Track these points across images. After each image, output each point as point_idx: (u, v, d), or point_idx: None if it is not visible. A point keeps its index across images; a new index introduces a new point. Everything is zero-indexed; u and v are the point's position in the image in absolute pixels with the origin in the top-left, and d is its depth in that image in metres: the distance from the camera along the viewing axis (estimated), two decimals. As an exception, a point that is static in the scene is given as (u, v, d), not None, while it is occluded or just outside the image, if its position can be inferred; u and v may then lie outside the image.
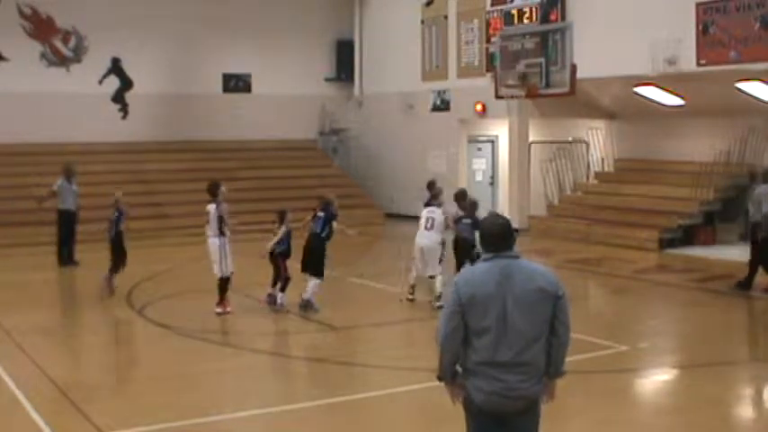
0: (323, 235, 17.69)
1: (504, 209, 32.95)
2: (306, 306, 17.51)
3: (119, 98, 35.11)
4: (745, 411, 12.68)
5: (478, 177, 34.92)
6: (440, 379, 7.34)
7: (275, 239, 17.87)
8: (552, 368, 7.24)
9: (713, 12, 25.19)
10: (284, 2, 37.14)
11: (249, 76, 37.29)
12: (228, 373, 13.94)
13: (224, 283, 17.53)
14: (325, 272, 17.61)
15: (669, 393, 13.66)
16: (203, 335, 16.09)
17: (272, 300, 18.00)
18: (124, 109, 35.19)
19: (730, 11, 24.80)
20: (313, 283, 17.56)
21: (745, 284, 19.56)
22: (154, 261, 23.96)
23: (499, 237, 7.17)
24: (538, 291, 7.06)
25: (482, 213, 15.47)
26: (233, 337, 16.53)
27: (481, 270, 7.17)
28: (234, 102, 36.73)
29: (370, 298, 20.00)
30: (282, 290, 17.85)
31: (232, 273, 17.54)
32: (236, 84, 37.14)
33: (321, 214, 17.86)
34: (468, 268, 7.51)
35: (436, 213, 18.42)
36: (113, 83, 35.12)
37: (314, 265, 17.56)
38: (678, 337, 15.96)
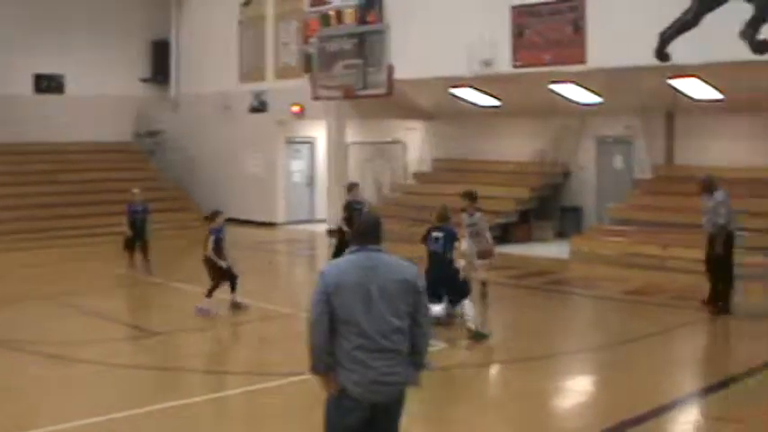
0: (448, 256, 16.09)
1: (322, 210, 33.09)
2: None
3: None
4: (561, 403, 12.95)
5: (296, 179, 35.01)
6: (313, 371, 7.38)
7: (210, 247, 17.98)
8: (417, 358, 7.47)
9: (528, 15, 25.69)
10: (98, 1, 36.38)
11: (62, 76, 36.29)
12: (48, 383, 13.51)
13: None
14: (150, 278, 17.28)
15: (490, 387, 13.89)
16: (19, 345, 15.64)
17: (236, 305, 18.12)
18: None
19: (544, 14, 25.34)
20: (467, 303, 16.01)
21: (722, 305, 18.24)
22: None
23: (369, 231, 7.47)
24: (401, 282, 7.32)
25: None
26: (54, 347, 16.04)
27: (347, 261, 7.44)
28: (46, 103, 35.65)
29: (190, 302, 19.74)
30: (209, 295, 17.89)
31: None
32: (49, 85, 36.11)
33: (440, 235, 16.11)
34: (335, 260, 7.63)
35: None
36: None
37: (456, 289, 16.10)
38: (496, 334, 16.19)
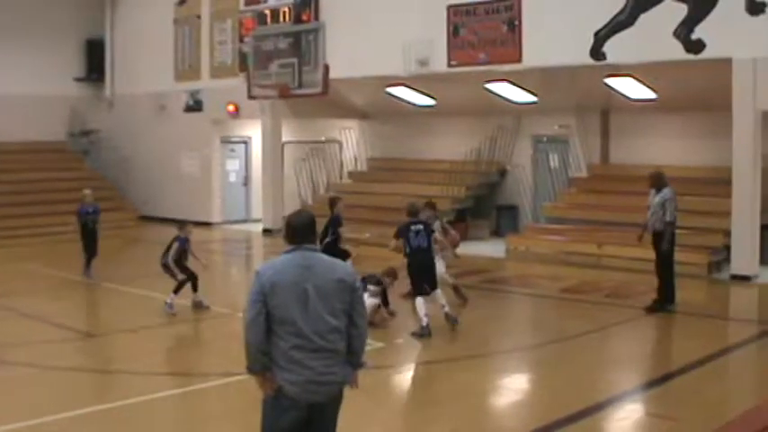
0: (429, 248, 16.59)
1: (258, 209, 32.98)
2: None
3: None
4: (497, 401, 12.97)
5: (232, 178, 34.88)
6: (249, 371, 7.34)
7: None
8: (354, 358, 7.49)
9: (463, 14, 25.77)
10: (32, 0, 35.91)
11: (-7, 76, 35.74)
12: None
13: None
14: (80, 278, 17.11)
15: (426, 386, 13.87)
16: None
17: (198, 304, 18.16)
18: None
19: (480, 13, 25.42)
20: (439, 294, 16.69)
21: (666, 300, 18.40)
22: None
23: (303, 230, 7.46)
24: (338, 281, 7.32)
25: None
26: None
27: (283, 260, 7.39)
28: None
29: (126, 303, 19.59)
30: (176, 292, 17.89)
31: None
32: (-21, 84, 35.57)
33: (420, 227, 16.53)
34: (271, 260, 7.58)
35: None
36: None
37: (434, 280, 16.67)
38: (433, 332, 16.18)
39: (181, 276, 18.00)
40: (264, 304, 7.15)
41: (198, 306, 18.24)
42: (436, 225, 18.16)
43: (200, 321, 17.81)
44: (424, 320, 15.87)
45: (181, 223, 18.71)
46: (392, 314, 17.33)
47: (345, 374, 7.39)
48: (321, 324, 7.18)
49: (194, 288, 18.22)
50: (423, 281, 16.28)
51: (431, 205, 18.77)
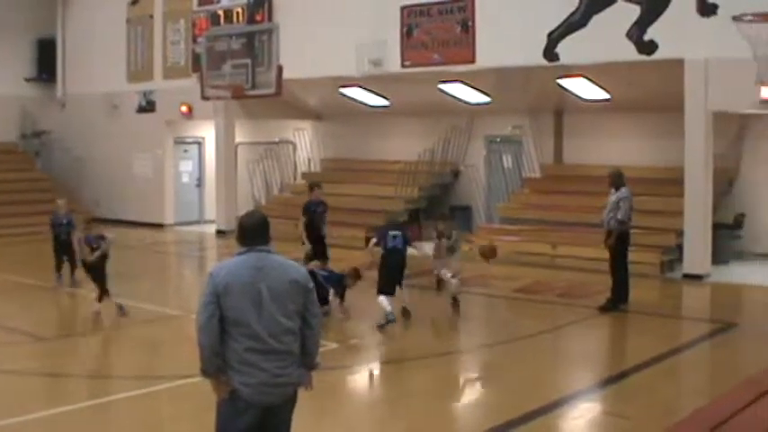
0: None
1: (211, 210, 32.86)
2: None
3: None
4: (451, 401, 12.96)
5: (185, 179, 34.70)
6: (203, 373, 7.27)
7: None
8: (308, 359, 7.46)
9: (417, 15, 25.81)
10: (-19, -2, 35.54)
11: (-58, 76, 35.30)
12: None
13: None
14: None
15: (381, 387, 13.87)
16: None
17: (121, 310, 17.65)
18: None
19: (433, 14, 25.46)
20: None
21: (619, 299, 18.44)
22: None
23: (255, 231, 7.40)
24: (291, 282, 7.29)
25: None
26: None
27: (237, 261, 7.34)
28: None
29: (79, 306, 19.43)
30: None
31: None
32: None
33: (398, 233, 17.41)
34: (224, 261, 7.53)
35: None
36: None
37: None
38: (386, 333, 16.17)
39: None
40: (218, 306, 7.09)
41: (119, 308, 17.73)
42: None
43: (153, 324, 17.67)
44: (388, 308, 16.38)
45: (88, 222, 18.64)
46: (345, 313, 17.42)
47: (299, 376, 7.36)
48: (275, 325, 7.14)
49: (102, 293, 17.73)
50: (394, 281, 17.08)
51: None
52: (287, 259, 7.54)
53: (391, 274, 17.02)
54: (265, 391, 7.14)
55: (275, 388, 7.17)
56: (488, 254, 18.89)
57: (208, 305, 7.12)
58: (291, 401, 7.43)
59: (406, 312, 17.24)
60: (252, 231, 7.40)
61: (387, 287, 16.91)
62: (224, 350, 7.15)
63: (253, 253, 7.32)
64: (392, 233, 17.25)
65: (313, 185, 21.51)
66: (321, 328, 7.61)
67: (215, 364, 7.17)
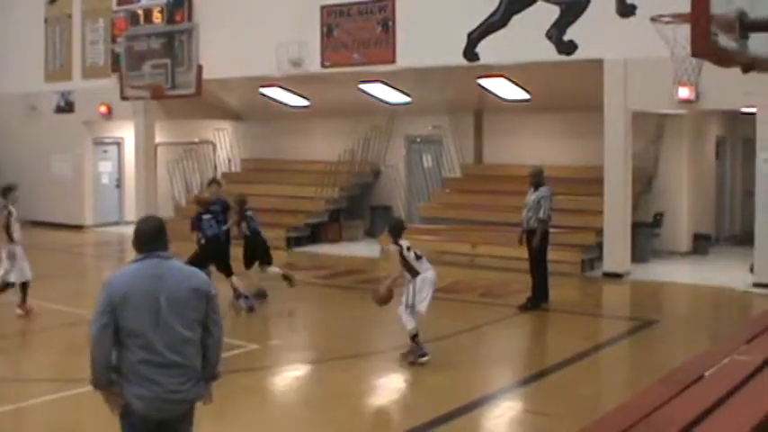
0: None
1: (131, 211, 32.56)
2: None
3: None
4: (371, 402, 12.95)
5: (105, 180, 34.38)
6: (94, 386, 7.02)
7: None
8: (209, 370, 7.23)
9: (337, 15, 25.77)
10: None
11: None
12: None
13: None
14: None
15: (301, 388, 13.80)
16: None
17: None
18: None
19: (353, 14, 25.43)
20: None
21: (540, 298, 18.44)
22: None
23: (152, 236, 7.17)
24: (192, 290, 7.05)
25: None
26: None
27: (133, 270, 7.08)
28: None
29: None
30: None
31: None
32: None
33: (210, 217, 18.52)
34: (120, 269, 7.30)
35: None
36: None
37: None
38: (308, 333, 16.16)
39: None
40: (113, 316, 6.83)
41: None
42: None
43: (71, 326, 17.39)
44: (246, 291, 17.95)
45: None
46: (252, 309, 17.69)
47: (197, 391, 7.13)
48: (173, 336, 6.90)
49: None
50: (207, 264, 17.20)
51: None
52: (186, 266, 7.40)
53: (202, 261, 17.04)
54: (160, 407, 6.92)
55: (170, 404, 6.96)
56: (380, 302, 17.58)
57: (102, 315, 6.85)
58: (188, 417, 7.24)
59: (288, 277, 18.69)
60: (149, 237, 7.16)
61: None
62: (119, 361, 6.94)
63: (150, 260, 7.07)
64: (206, 217, 18.54)
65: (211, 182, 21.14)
66: (222, 336, 7.37)
67: (106, 376, 6.93)
